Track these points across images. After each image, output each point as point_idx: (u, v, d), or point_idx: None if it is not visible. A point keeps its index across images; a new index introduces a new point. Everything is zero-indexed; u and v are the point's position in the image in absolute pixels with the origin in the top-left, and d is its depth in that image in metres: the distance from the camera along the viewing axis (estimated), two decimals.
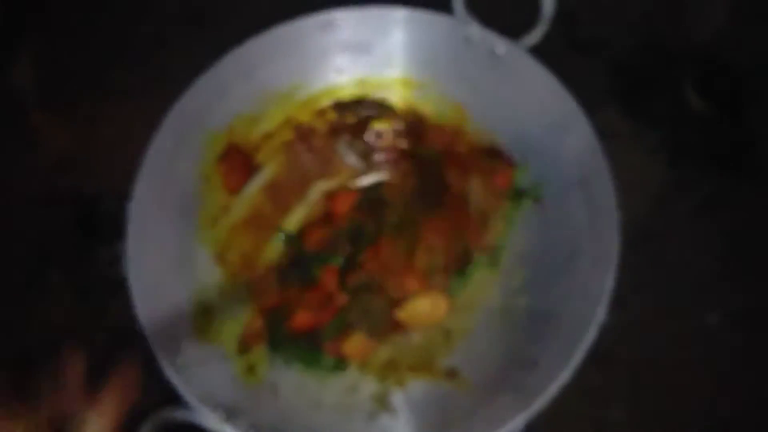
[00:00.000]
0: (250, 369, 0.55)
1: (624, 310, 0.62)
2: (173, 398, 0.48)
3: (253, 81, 0.58)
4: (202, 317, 0.55)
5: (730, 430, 0.60)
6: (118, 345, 0.65)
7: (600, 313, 0.48)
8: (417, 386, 0.54)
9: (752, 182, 0.67)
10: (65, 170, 0.72)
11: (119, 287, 0.52)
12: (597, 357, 0.53)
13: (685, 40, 0.72)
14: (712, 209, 0.67)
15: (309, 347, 0.56)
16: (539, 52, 0.57)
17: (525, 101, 0.56)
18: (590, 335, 0.47)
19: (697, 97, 0.71)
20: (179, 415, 0.46)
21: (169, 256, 0.55)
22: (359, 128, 0.62)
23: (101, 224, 0.69)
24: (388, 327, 0.56)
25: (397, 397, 0.54)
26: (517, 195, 0.58)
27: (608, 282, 0.49)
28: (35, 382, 0.40)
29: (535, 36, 0.56)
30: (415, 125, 0.62)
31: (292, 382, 0.55)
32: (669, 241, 0.67)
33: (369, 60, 0.60)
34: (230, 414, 0.48)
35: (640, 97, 0.71)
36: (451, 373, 0.54)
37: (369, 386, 0.55)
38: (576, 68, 0.68)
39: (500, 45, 0.56)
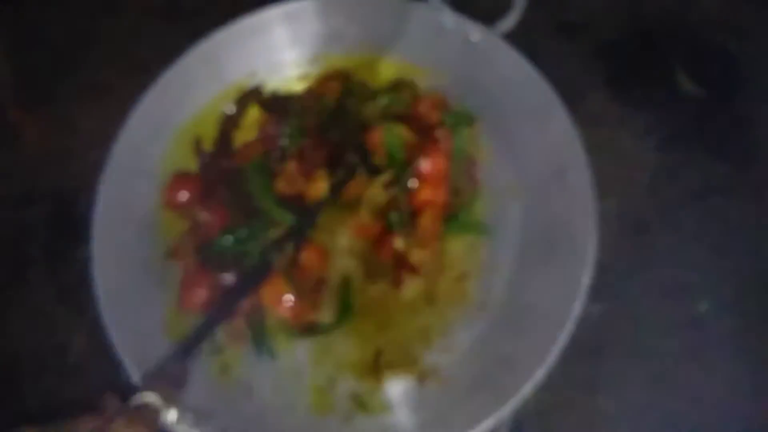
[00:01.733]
0: (224, 369, 0.54)
1: (613, 298, 0.60)
2: None
3: (220, 74, 0.56)
4: (176, 318, 0.54)
5: (719, 419, 0.59)
6: (97, 345, 0.66)
7: (576, 309, 0.46)
8: (395, 385, 0.53)
9: (743, 168, 0.65)
10: (43, 168, 0.72)
11: None
12: (585, 346, 0.51)
13: (674, 22, 0.70)
14: (703, 196, 0.65)
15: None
16: (523, 36, 0.55)
17: (501, 89, 0.55)
18: (566, 332, 0.46)
19: (687, 79, 0.69)
20: None
21: (138, 256, 0.54)
22: None
23: (78, 222, 0.69)
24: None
25: (375, 397, 0.53)
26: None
27: (585, 277, 0.47)
28: None
29: (509, 21, 0.55)
30: None
31: (267, 382, 0.53)
32: (659, 228, 0.65)
33: (339, 50, 0.58)
34: (199, 418, 0.47)
35: (628, 80, 0.69)
36: (430, 371, 0.53)
37: (346, 385, 0.54)
38: (562, 52, 0.66)
39: (474, 31, 0.54)
